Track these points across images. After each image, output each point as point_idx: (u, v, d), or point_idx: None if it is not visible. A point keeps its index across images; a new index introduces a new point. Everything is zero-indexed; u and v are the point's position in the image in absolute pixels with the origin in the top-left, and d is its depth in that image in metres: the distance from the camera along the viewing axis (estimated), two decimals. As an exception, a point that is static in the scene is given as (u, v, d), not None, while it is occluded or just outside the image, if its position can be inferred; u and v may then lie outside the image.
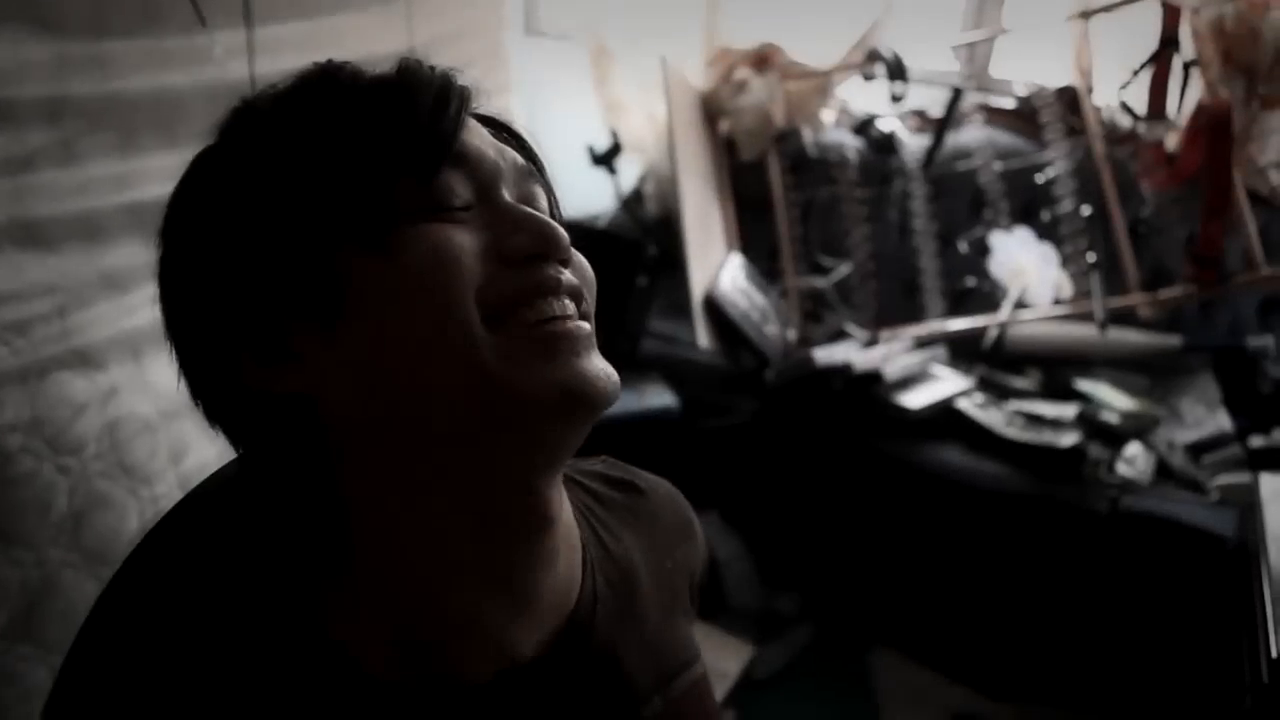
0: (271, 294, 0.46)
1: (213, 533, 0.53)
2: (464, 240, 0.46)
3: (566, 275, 0.48)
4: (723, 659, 1.86)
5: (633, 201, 2.50)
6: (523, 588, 0.48)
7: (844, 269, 2.31)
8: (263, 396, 0.47)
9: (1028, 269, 2.15)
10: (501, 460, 0.45)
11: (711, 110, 2.40)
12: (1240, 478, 1.84)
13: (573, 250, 0.49)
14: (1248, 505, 1.60)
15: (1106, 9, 2.14)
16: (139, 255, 1.20)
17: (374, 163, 0.46)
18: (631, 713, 0.51)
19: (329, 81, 0.49)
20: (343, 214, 0.46)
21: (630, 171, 2.54)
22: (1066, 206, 2.13)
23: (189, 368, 0.50)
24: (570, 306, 0.47)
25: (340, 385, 0.46)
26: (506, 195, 0.49)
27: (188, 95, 1.23)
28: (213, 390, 0.50)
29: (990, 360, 2.19)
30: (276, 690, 0.44)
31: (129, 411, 1.21)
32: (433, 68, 0.50)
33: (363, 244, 0.45)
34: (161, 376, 1.26)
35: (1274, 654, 1.17)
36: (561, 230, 0.48)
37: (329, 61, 0.50)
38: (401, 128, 0.47)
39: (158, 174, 1.20)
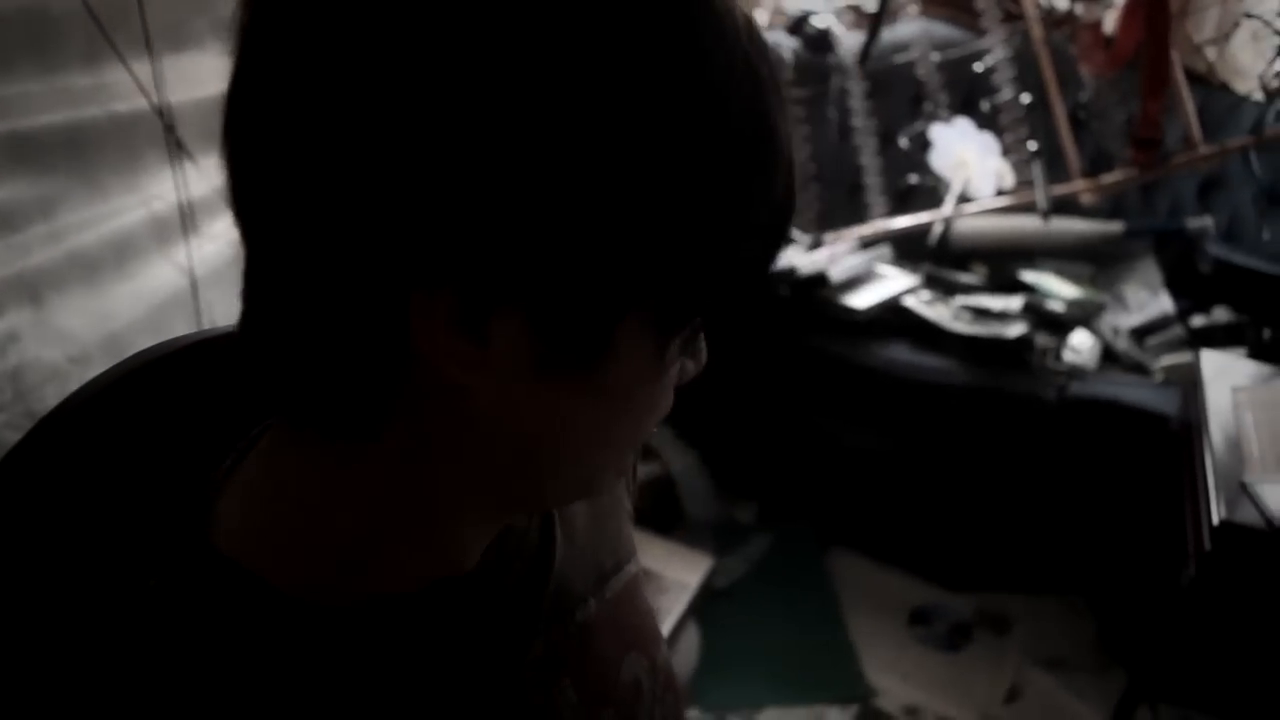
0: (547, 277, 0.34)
1: (90, 444, 0.50)
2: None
3: None
4: (683, 571, 1.86)
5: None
6: (494, 524, 0.45)
7: (785, 173, 2.26)
8: (395, 333, 0.34)
9: (969, 160, 2.12)
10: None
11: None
12: (1183, 357, 1.86)
13: None
14: (1190, 384, 1.61)
15: (1040, -114, 2.07)
16: (25, 190, 1.12)
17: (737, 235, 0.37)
18: (566, 617, 0.48)
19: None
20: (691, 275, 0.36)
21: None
22: (1006, 95, 2.10)
23: (318, 255, 0.34)
24: None
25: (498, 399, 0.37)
26: None
27: (64, 13, 1.14)
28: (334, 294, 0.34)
29: (936, 257, 2.17)
30: (154, 612, 0.39)
31: (33, 358, 1.15)
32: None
33: (661, 326, 0.37)
34: (68, 321, 1.20)
35: (1215, 522, 1.19)
36: None
37: None
38: (756, 206, 0.37)
39: (36, 101, 1.12)
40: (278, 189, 0.34)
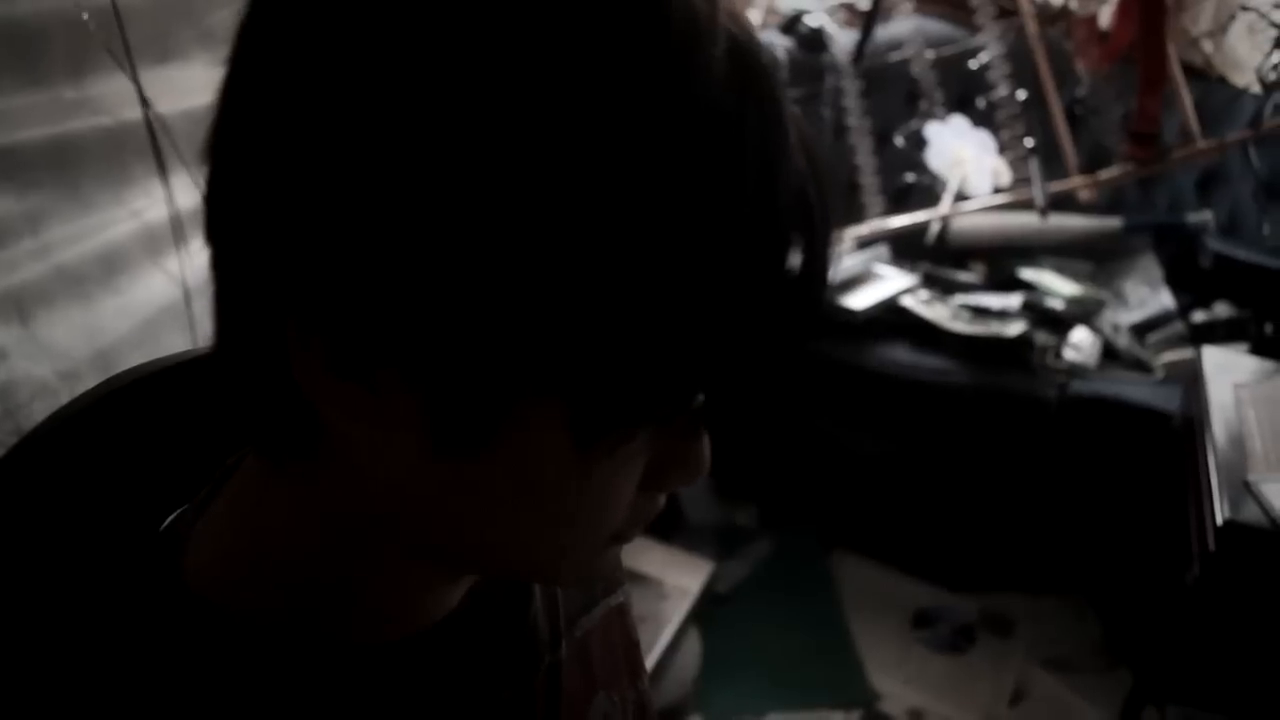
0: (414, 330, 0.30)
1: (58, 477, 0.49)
2: (641, 461, 0.36)
3: None
4: (683, 577, 1.85)
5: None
6: (459, 577, 0.43)
7: (781, 174, 2.25)
8: (283, 380, 0.32)
9: (965, 158, 2.11)
10: None
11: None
12: (1184, 354, 1.85)
13: None
14: (1192, 380, 1.59)
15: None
16: (11, 205, 1.11)
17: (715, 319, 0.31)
18: (532, 664, 0.47)
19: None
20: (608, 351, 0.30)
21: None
22: (1002, 92, 2.08)
23: (225, 273, 0.34)
24: None
25: (396, 471, 0.34)
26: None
27: (49, 25, 1.13)
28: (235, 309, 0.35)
29: (934, 256, 2.16)
30: (123, 645, 0.38)
31: (23, 375, 1.14)
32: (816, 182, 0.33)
33: (580, 420, 0.31)
34: (56, 336, 1.19)
35: (1219, 522, 1.18)
36: None
37: None
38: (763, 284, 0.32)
39: (21, 115, 1.10)
40: (229, 196, 0.33)
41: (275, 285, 0.31)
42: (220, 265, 0.34)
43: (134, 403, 0.53)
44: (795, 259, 0.32)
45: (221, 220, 0.33)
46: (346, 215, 0.29)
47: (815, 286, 0.34)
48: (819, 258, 0.33)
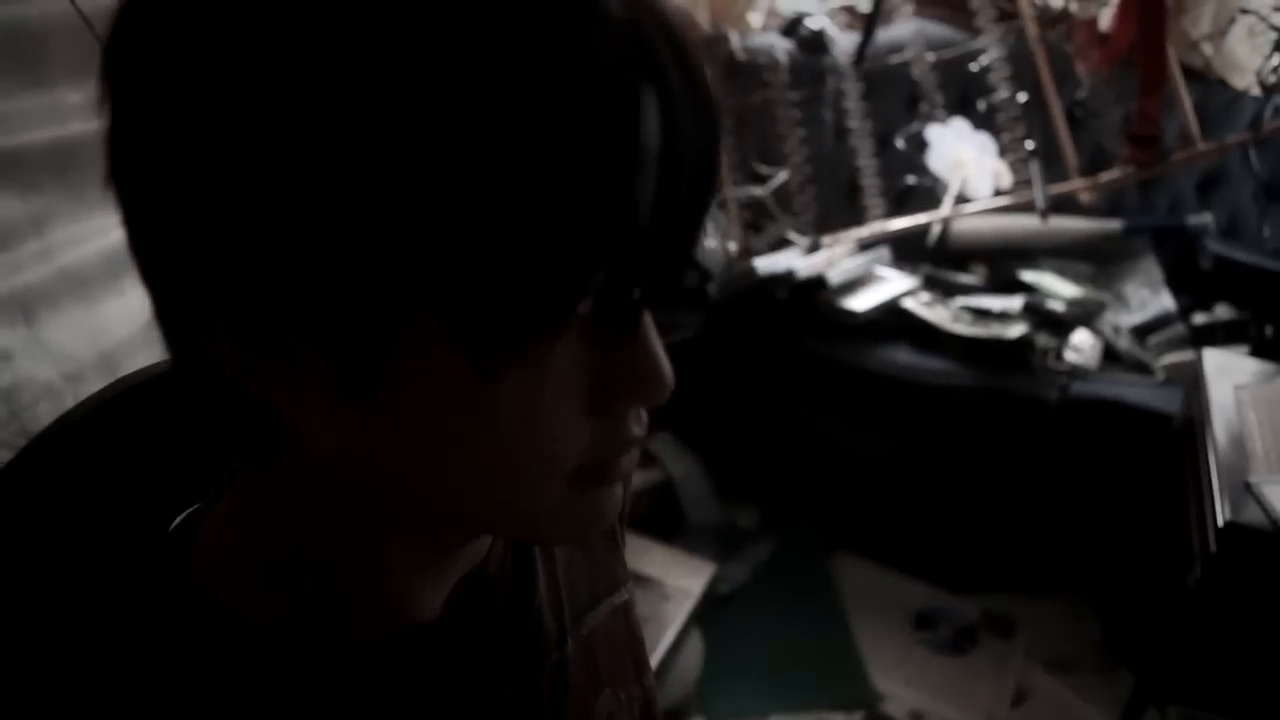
0: (293, 289, 0.31)
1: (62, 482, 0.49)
2: (571, 378, 0.34)
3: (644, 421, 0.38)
4: (685, 578, 1.85)
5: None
6: (446, 558, 0.43)
7: (782, 176, 2.25)
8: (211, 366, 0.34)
9: (966, 160, 2.11)
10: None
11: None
12: (1184, 355, 1.85)
13: None
14: (1192, 382, 1.60)
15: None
16: (16, 208, 1.12)
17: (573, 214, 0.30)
18: (538, 662, 0.47)
19: None
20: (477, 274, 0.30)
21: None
22: (1002, 94, 2.08)
23: (150, 276, 0.35)
24: (634, 456, 0.39)
25: (327, 433, 0.35)
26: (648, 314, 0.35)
27: (50, 28, 1.13)
28: (170, 315, 0.35)
29: (935, 258, 2.16)
30: (131, 644, 0.38)
31: (26, 377, 1.14)
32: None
33: (468, 339, 0.31)
34: (60, 337, 1.19)
35: (1220, 523, 1.18)
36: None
37: None
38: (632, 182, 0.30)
39: (24, 118, 1.11)
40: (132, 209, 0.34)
41: (171, 277, 0.33)
42: (142, 275, 0.35)
43: (143, 404, 0.53)
44: (651, 127, 0.30)
45: (130, 230, 0.34)
46: (203, 164, 0.30)
47: (684, 155, 0.31)
48: (682, 121, 0.31)
